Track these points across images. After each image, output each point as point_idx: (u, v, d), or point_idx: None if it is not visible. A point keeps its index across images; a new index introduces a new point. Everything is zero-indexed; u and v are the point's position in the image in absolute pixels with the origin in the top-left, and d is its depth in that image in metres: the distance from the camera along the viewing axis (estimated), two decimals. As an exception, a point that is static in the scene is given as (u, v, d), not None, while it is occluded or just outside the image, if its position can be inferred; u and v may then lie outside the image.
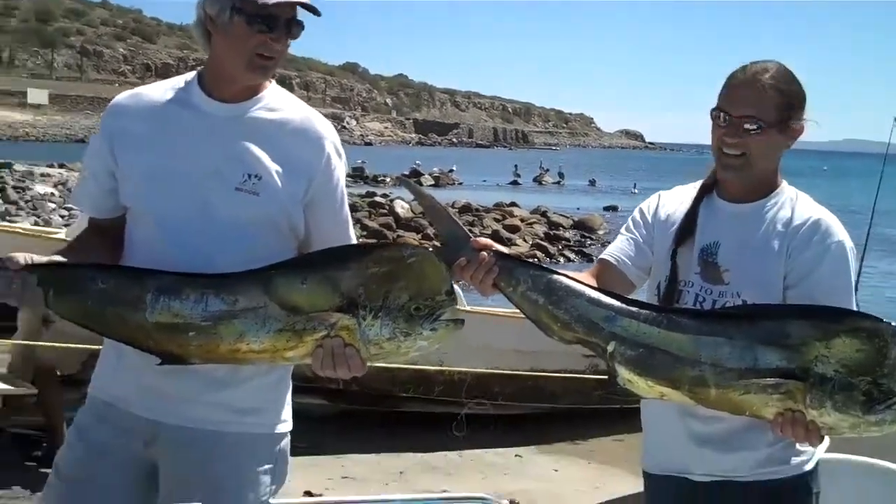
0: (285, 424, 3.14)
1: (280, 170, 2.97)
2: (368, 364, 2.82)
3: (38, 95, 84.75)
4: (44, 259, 2.88)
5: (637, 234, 3.28)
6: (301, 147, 3.02)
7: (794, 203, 3.12)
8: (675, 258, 3.14)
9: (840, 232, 3.07)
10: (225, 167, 2.95)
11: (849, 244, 3.08)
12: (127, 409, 3.03)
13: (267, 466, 3.09)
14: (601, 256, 3.31)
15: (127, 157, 3.02)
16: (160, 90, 3.10)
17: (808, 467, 3.12)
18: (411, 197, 34.09)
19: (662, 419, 3.18)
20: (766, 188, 3.14)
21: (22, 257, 2.83)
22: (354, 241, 3.16)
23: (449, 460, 8.75)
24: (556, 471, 8.87)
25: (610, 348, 2.85)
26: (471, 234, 2.97)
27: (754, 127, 3.02)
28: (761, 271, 3.05)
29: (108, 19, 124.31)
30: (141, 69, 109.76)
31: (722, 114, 3.06)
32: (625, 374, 2.83)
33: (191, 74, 3.11)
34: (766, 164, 3.09)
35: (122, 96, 3.15)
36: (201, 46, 3.04)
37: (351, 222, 3.17)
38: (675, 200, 3.28)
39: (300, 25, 2.99)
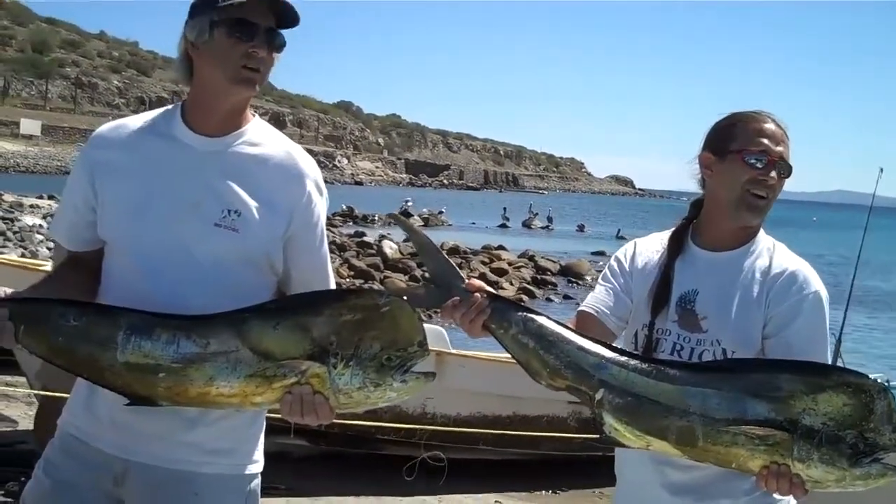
0: (257, 465, 3.11)
1: (260, 206, 2.95)
2: (337, 412, 2.79)
3: (30, 126, 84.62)
4: (12, 293, 2.86)
5: (615, 283, 3.26)
6: (282, 183, 3.00)
7: (771, 252, 3.13)
8: (653, 307, 3.14)
9: (816, 282, 3.09)
10: (204, 202, 2.93)
11: (824, 294, 3.10)
12: (96, 445, 3.00)
13: None
14: (581, 308, 3.29)
15: (106, 189, 2.99)
16: (142, 122, 3.08)
17: None
18: (400, 238, 34.32)
19: (637, 466, 3.16)
20: (747, 237, 3.14)
21: None
22: (332, 280, 3.13)
23: (427, 506, 8.67)
24: (535, 519, 8.79)
25: (598, 396, 2.84)
26: (462, 276, 2.98)
27: (785, 172, 3.06)
28: (740, 320, 3.04)
29: (104, 51, 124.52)
30: (135, 102, 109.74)
31: (757, 154, 3.04)
32: (612, 423, 2.82)
33: (173, 107, 3.09)
34: None
35: (105, 127, 3.12)
36: (183, 81, 3.02)
37: (329, 260, 3.15)
38: (652, 248, 3.27)
39: (281, 36, 2.97)
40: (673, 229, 3.24)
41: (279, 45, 2.97)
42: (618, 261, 3.33)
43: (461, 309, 2.90)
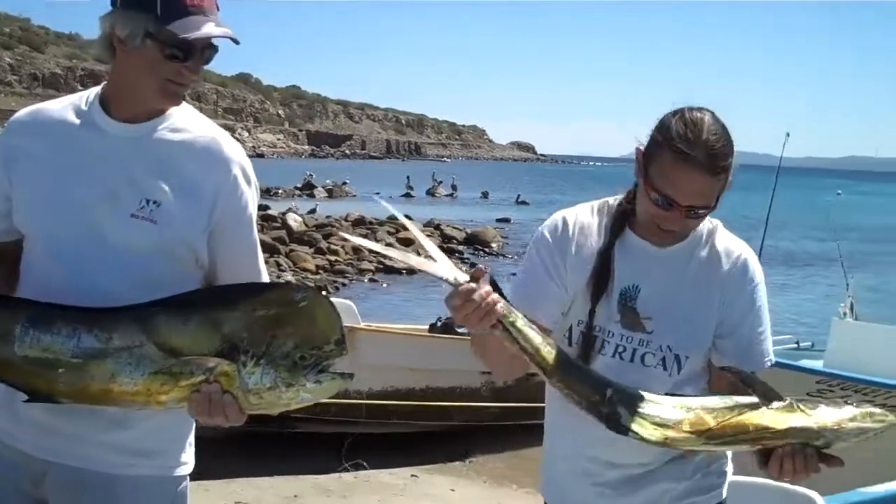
0: (185, 467, 2.98)
1: (182, 196, 2.80)
2: (247, 413, 2.66)
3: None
4: None
5: (545, 271, 2.99)
6: (205, 171, 2.84)
7: (713, 237, 2.96)
8: (592, 302, 2.92)
9: (758, 264, 3.01)
10: (122, 192, 2.79)
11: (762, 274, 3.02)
12: (14, 445, 2.86)
13: None
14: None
15: (21, 177, 2.85)
16: (61, 107, 2.92)
17: (725, 494, 3.06)
18: (305, 210, 34.01)
19: (569, 459, 3.04)
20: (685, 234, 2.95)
21: None
22: (264, 273, 2.98)
23: (343, 482, 8.61)
24: (452, 490, 8.79)
25: (608, 393, 2.71)
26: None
27: (701, 214, 2.84)
28: (691, 322, 2.91)
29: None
30: (28, 79, 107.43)
31: (662, 198, 2.78)
32: (627, 419, 2.71)
33: (94, 91, 2.94)
34: None
35: (22, 113, 2.98)
36: (106, 60, 2.85)
37: (261, 254, 2.99)
38: (585, 227, 2.99)
39: (215, 49, 2.83)
40: (608, 207, 3.02)
41: (210, 58, 2.84)
42: (545, 242, 3.02)
43: (472, 304, 2.62)
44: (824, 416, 2.73)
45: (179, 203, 2.80)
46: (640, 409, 2.71)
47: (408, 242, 29.98)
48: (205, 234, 2.84)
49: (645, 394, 2.74)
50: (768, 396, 2.75)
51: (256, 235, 2.99)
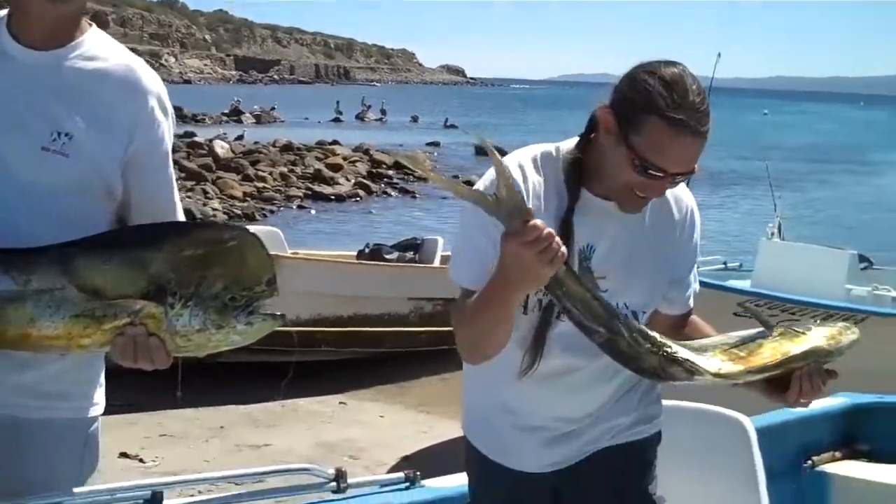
0: (97, 408, 2.83)
1: (95, 127, 2.64)
2: (174, 356, 2.53)
3: None
4: None
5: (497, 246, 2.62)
6: (121, 101, 2.68)
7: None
8: None
9: (697, 208, 2.94)
10: (30, 123, 2.61)
11: None
12: None
13: (76, 454, 2.80)
14: (467, 287, 2.67)
15: None
16: None
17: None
18: (232, 137, 33.62)
19: (511, 413, 2.89)
20: None
21: None
22: (179, 209, 2.83)
23: (271, 412, 8.56)
24: (381, 417, 8.79)
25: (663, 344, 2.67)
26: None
27: (685, 179, 2.71)
28: (647, 277, 2.81)
29: None
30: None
31: (654, 169, 2.58)
32: (692, 366, 2.71)
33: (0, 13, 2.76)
34: None
35: None
36: None
37: (176, 188, 2.85)
38: (536, 190, 2.72)
39: None
40: (553, 160, 2.75)
41: None
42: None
43: (541, 243, 2.38)
44: (821, 334, 2.84)
45: (93, 135, 2.64)
46: (691, 356, 2.71)
47: (336, 168, 29.88)
48: (119, 167, 2.69)
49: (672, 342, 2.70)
50: (768, 325, 2.83)
51: (172, 169, 2.85)
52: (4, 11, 2.76)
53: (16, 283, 2.46)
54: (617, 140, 2.62)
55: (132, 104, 2.70)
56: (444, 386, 9.59)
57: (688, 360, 2.70)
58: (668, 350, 2.68)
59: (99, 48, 2.73)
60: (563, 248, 2.41)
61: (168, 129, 2.78)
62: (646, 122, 2.57)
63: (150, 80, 2.76)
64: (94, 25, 2.77)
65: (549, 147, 2.78)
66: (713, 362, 2.75)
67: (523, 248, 2.37)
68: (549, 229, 2.39)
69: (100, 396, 2.84)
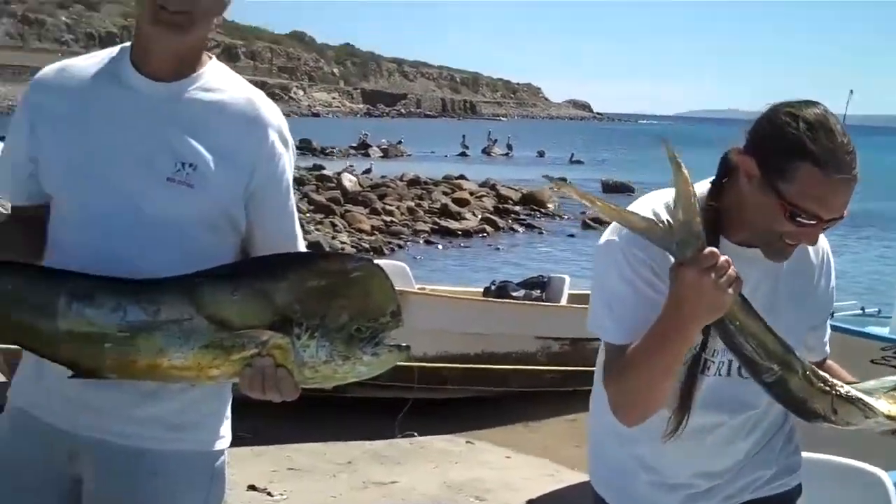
0: (223, 441, 2.86)
1: (218, 159, 2.66)
2: (301, 388, 2.53)
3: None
4: None
5: (653, 291, 2.55)
6: (241, 134, 2.70)
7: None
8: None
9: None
10: (155, 155, 2.64)
11: None
12: (47, 419, 2.74)
13: (202, 487, 2.82)
14: (621, 343, 2.56)
15: (47, 138, 2.71)
16: (89, 63, 2.78)
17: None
18: (360, 170, 33.89)
19: (650, 471, 2.80)
20: None
21: None
22: (300, 241, 2.86)
23: (398, 448, 8.51)
24: (508, 458, 8.67)
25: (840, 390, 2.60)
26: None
27: (837, 223, 2.56)
28: (788, 323, 2.67)
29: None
30: (84, 38, 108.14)
31: (807, 217, 2.47)
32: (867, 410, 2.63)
33: (122, 48, 2.79)
34: None
35: (48, 69, 2.82)
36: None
37: (297, 219, 2.87)
38: None
39: None
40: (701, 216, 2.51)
41: None
42: (635, 257, 2.57)
43: (718, 266, 2.32)
44: None
45: (216, 167, 2.66)
46: (863, 397, 2.63)
47: (463, 203, 29.94)
48: (242, 200, 2.71)
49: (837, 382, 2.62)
50: None
51: (294, 201, 2.86)
52: (126, 45, 2.79)
53: (146, 314, 2.48)
54: (761, 187, 2.51)
55: (253, 137, 2.71)
56: (571, 427, 9.46)
57: (861, 399, 2.59)
58: (841, 390, 2.57)
59: (219, 80, 2.75)
60: (740, 274, 2.34)
61: (289, 161, 2.79)
62: (796, 168, 2.46)
63: (271, 112, 2.76)
64: (215, 58, 2.79)
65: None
66: (882, 403, 2.63)
67: (702, 274, 2.30)
68: (725, 256, 2.32)
69: (226, 429, 2.87)
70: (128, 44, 2.79)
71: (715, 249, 2.33)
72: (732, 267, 2.33)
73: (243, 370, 2.50)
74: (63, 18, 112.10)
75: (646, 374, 2.46)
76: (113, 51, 2.80)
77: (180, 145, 2.65)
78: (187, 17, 2.61)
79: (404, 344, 2.52)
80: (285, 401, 2.55)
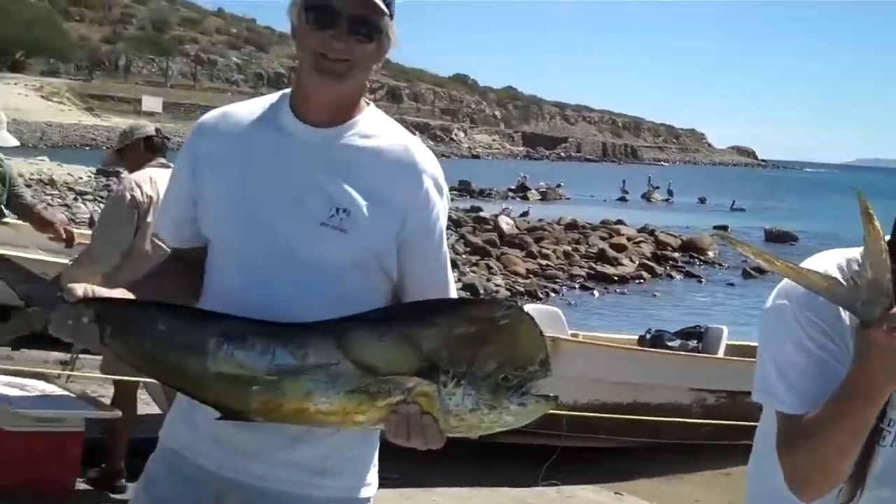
0: (369, 488, 2.82)
1: (371, 205, 2.66)
2: (447, 436, 2.48)
3: (152, 103, 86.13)
4: (104, 292, 2.61)
5: (829, 363, 2.37)
6: (396, 181, 2.69)
7: None
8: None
9: None
10: (309, 199, 2.66)
11: None
12: (196, 460, 2.76)
13: None
14: (797, 413, 2.38)
15: (207, 182, 2.76)
16: (249, 109, 2.82)
17: None
18: (517, 213, 33.95)
19: None
20: None
21: (81, 289, 2.56)
22: (452, 289, 2.83)
23: (545, 498, 8.37)
24: (657, 511, 8.47)
25: None
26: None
27: None
28: None
29: (223, 27, 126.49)
30: (253, 78, 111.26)
31: None
32: None
33: (282, 93, 2.83)
34: None
35: (210, 115, 2.88)
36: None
37: (450, 267, 2.85)
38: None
39: (369, 25, 2.65)
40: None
41: (367, 35, 2.66)
42: (813, 324, 2.38)
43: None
44: None
45: (369, 213, 2.66)
46: None
47: (620, 248, 29.69)
48: (395, 247, 2.70)
49: None
50: None
51: (447, 250, 2.84)
52: (286, 91, 2.82)
53: (293, 357, 2.47)
54: None
55: (407, 185, 2.69)
56: (725, 482, 9.19)
57: None
58: None
59: (375, 127, 2.75)
60: None
61: (443, 209, 2.76)
62: None
63: (426, 159, 2.73)
64: (372, 105, 2.78)
65: (854, 252, 2.41)
66: None
67: (893, 335, 2.13)
68: None
69: (373, 476, 2.83)
70: (288, 90, 2.83)
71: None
72: None
73: (389, 416, 2.47)
74: (234, 59, 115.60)
75: (828, 446, 2.29)
76: (273, 97, 2.84)
77: (334, 190, 2.66)
78: (347, 64, 2.64)
79: (552, 394, 2.46)
80: (430, 449, 2.51)
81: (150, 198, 6.57)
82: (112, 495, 6.71)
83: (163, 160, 6.94)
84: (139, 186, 6.65)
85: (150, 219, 6.52)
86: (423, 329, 2.44)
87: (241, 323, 2.53)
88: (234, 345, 2.50)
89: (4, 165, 7.41)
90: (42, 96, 74.66)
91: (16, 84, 74.66)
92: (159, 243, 3.00)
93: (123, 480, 6.74)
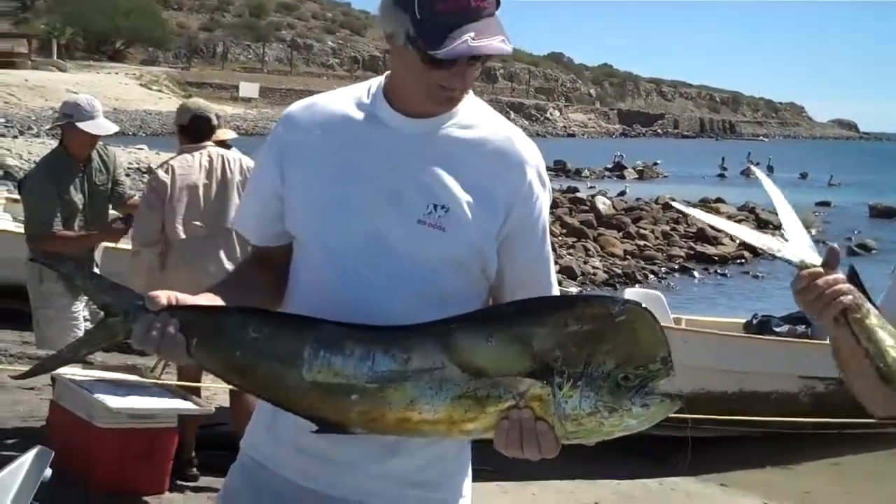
0: (464, 500, 2.71)
1: (472, 200, 2.51)
2: (563, 444, 2.33)
3: (249, 89, 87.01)
4: (189, 300, 2.47)
5: None
6: (498, 173, 2.55)
7: None
8: None
9: None
10: (406, 195, 2.51)
11: None
12: (278, 471, 2.64)
13: None
14: None
15: (296, 176, 2.61)
16: (340, 100, 2.67)
17: None
18: (614, 193, 33.63)
19: None
20: None
21: (164, 297, 2.42)
22: (555, 286, 2.69)
23: (648, 489, 8.23)
24: (765, 503, 8.22)
25: None
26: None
27: None
28: None
29: (318, 13, 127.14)
30: (349, 62, 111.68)
31: None
32: None
33: (375, 82, 2.67)
34: None
35: (297, 106, 2.73)
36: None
37: (552, 263, 2.70)
38: None
39: (487, 58, 2.48)
40: None
41: (483, 61, 2.50)
42: None
43: (816, 288, 2.36)
44: None
45: (470, 208, 2.51)
46: None
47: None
48: (495, 242, 2.55)
49: None
50: None
51: (549, 245, 2.68)
52: (379, 79, 2.66)
53: (395, 362, 2.33)
54: None
55: (509, 176, 2.55)
56: (835, 471, 9.02)
57: None
58: None
59: (474, 117, 2.59)
60: (846, 297, 2.33)
61: (546, 202, 2.62)
62: None
63: (529, 151, 2.59)
64: (472, 93, 2.62)
65: None
66: None
67: (793, 291, 2.38)
68: (826, 278, 2.36)
69: (467, 488, 2.71)
70: (380, 78, 2.67)
71: (816, 271, 2.37)
72: (832, 288, 2.33)
73: (499, 423, 2.32)
74: (329, 43, 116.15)
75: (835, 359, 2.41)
76: (363, 87, 2.68)
77: (433, 185, 2.52)
78: (459, 91, 2.53)
79: (676, 392, 2.31)
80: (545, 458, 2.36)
81: (181, 181, 6.54)
82: (182, 483, 6.71)
83: (209, 143, 6.87)
84: (171, 170, 6.61)
85: (181, 202, 6.47)
86: (533, 328, 2.31)
87: (336, 327, 2.39)
88: (331, 351, 2.37)
89: (109, 153, 7.41)
90: (141, 85, 75.68)
91: (116, 73, 75.78)
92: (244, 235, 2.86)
93: (195, 469, 6.78)
